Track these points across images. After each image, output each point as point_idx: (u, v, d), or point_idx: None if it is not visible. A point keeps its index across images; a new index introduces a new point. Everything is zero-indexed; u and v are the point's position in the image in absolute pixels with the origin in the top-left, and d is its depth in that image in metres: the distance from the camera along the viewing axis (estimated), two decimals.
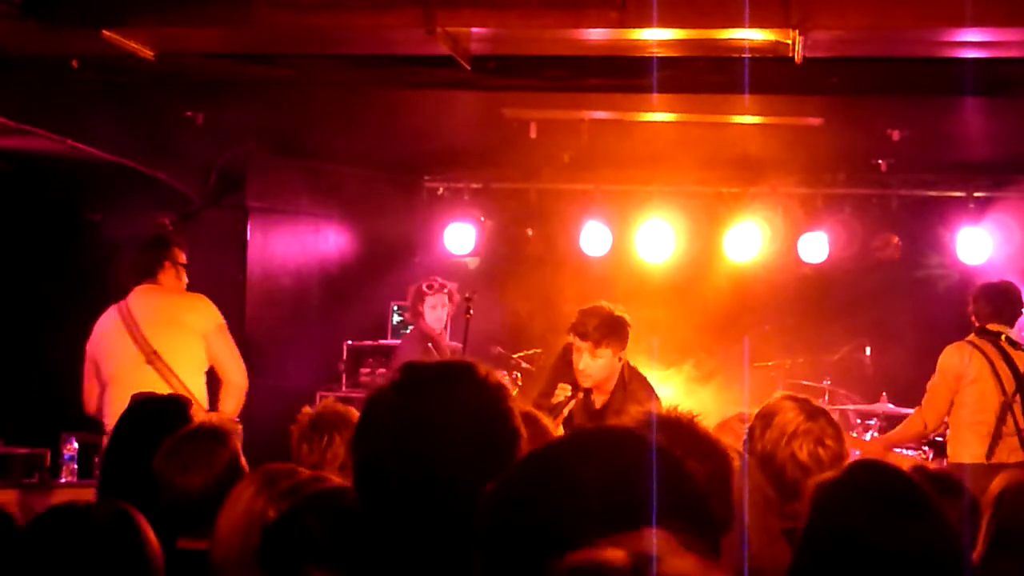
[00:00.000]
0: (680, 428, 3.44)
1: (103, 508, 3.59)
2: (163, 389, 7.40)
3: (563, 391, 7.17)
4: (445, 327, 10.34)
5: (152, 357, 7.96)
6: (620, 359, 7.28)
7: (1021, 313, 9.00)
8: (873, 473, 3.05)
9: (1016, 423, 8.64)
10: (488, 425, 2.61)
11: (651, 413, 3.33)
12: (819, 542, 2.97)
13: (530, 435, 2.67)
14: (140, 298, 8.15)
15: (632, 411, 3.34)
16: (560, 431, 6.49)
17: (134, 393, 6.07)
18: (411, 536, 2.57)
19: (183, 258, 8.37)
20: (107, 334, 8.11)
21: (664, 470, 1.92)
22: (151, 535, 3.49)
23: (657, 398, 7.35)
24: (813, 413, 3.98)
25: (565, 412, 7.19)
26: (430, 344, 9.85)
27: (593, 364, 7.24)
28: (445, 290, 10.14)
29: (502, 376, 2.77)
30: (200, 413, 6.48)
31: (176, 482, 4.43)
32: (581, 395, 7.28)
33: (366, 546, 2.61)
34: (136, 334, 8.00)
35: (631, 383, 7.34)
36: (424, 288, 10.09)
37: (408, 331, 10.91)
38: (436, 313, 10.11)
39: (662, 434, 3.44)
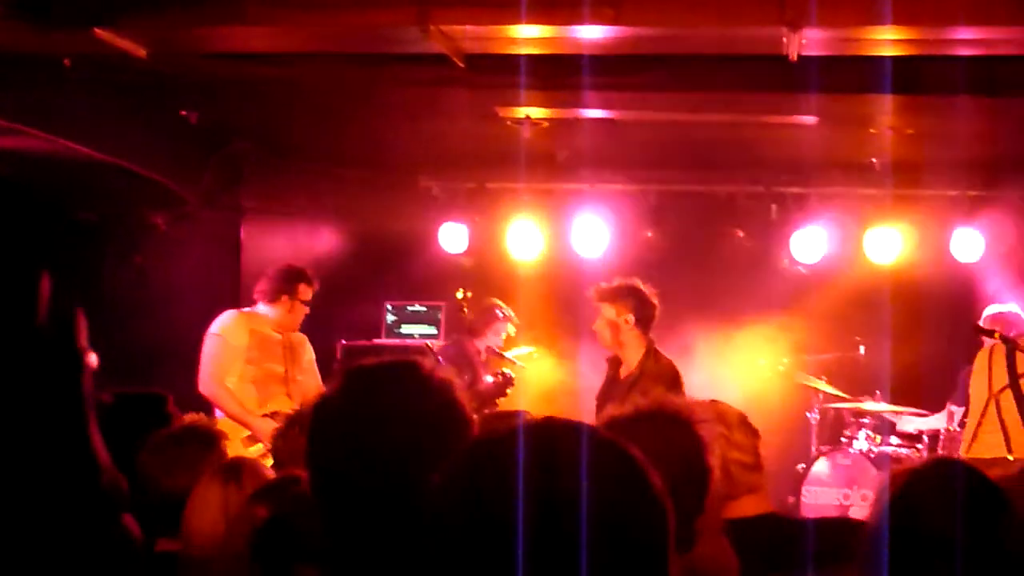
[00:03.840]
0: (659, 423, 3.44)
1: None
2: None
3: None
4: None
5: None
6: (627, 322, 8.08)
7: None
8: (951, 470, 3.09)
9: (1000, 419, 8.59)
10: (435, 420, 2.63)
11: (623, 414, 3.34)
12: (893, 532, 2.99)
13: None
14: (231, 315, 8.78)
15: (610, 408, 3.37)
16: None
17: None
18: (371, 534, 2.58)
19: (308, 294, 8.97)
20: None
21: (607, 467, 1.93)
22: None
23: (674, 387, 7.82)
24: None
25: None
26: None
27: (599, 323, 8.17)
28: (511, 322, 10.90)
29: (449, 372, 2.78)
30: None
31: (161, 482, 4.41)
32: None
33: (334, 547, 2.62)
34: None
35: (651, 367, 8.05)
36: (496, 312, 10.84)
37: (446, 343, 11.36)
38: (496, 339, 10.83)
39: (638, 429, 3.46)
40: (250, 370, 8.63)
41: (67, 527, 2.24)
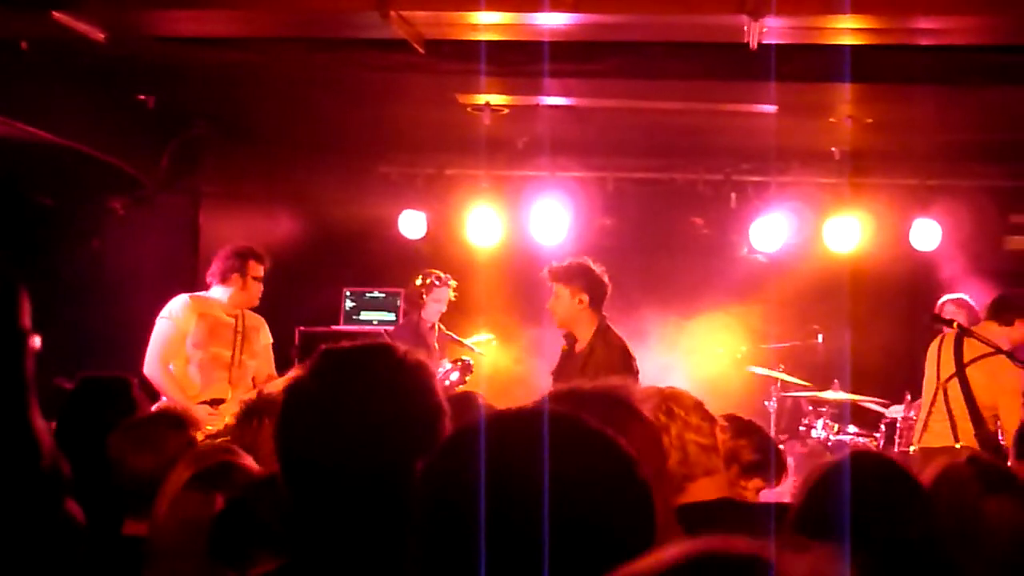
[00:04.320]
0: (613, 407, 3.43)
1: None
2: None
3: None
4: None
5: None
6: (581, 302, 8.36)
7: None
8: (867, 460, 3.12)
9: (948, 408, 8.64)
10: (409, 404, 2.61)
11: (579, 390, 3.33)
12: (812, 521, 3.03)
13: (465, 414, 2.65)
14: (180, 299, 8.82)
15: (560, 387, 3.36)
16: None
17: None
18: (343, 520, 2.55)
19: (259, 271, 8.96)
20: None
21: (597, 459, 1.92)
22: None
23: (624, 363, 8.09)
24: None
25: None
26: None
27: (553, 302, 8.46)
28: (450, 284, 10.86)
29: (421, 355, 2.75)
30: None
31: (128, 461, 4.42)
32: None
33: (303, 533, 2.59)
34: None
35: (600, 344, 8.31)
36: (434, 280, 10.76)
37: (401, 322, 11.48)
38: (438, 306, 10.82)
39: (593, 411, 3.45)
40: (196, 354, 8.69)
41: (6, 510, 2.21)
